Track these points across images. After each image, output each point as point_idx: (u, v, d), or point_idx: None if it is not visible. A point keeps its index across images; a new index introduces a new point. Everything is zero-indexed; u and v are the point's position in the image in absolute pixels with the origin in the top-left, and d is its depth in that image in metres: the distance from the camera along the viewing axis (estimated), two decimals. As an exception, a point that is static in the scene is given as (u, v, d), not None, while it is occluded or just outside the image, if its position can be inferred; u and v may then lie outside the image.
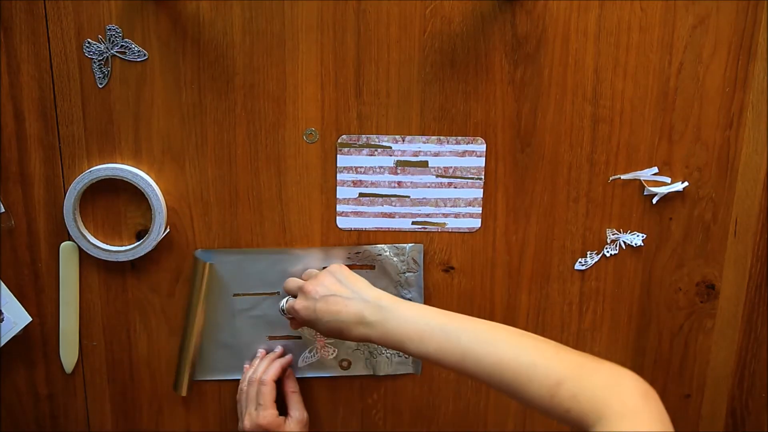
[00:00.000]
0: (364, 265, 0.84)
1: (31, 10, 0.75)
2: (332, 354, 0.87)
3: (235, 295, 0.84)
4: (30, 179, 0.80)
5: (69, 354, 0.85)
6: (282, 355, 0.86)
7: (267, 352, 0.86)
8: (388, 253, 0.83)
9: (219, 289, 0.84)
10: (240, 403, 0.83)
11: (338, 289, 0.70)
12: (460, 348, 0.62)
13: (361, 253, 0.84)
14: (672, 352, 0.88)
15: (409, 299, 0.85)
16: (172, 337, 0.86)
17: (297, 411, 0.83)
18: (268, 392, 0.81)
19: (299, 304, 0.72)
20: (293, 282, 0.76)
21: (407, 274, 0.84)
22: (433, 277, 0.85)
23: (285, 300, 0.77)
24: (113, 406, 0.88)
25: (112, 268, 0.83)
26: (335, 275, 0.72)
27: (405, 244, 0.83)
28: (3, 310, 0.82)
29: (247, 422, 0.80)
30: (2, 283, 0.82)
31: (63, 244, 0.81)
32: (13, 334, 0.82)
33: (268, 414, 0.80)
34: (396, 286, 0.85)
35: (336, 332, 0.69)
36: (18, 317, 0.82)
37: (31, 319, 0.83)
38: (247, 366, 0.85)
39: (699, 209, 0.83)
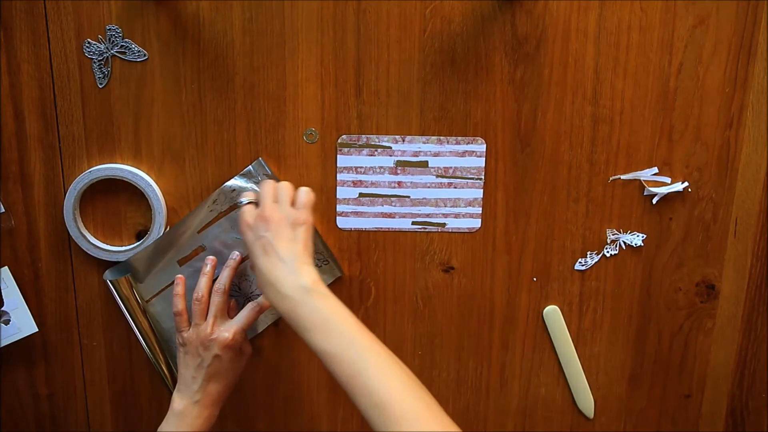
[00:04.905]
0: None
1: (31, 10, 0.75)
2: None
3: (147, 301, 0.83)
4: (30, 179, 0.80)
5: (585, 400, 0.89)
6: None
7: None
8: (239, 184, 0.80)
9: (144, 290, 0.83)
10: (197, 310, 0.78)
11: (282, 248, 0.68)
12: (357, 367, 0.62)
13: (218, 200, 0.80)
14: (672, 352, 0.88)
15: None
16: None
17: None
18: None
19: (247, 221, 0.71)
20: (264, 196, 0.73)
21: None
22: (433, 277, 0.85)
23: (246, 200, 0.76)
24: (113, 406, 0.88)
25: (112, 268, 0.83)
26: (294, 231, 0.70)
27: (249, 166, 0.80)
28: (11, 314, 0.81)
29: (225, 333, 0.76)
30: (18, 289, 0.81)
31: (546, 309, 0.85)
32: (14, 340, 0.81)
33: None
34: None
35: (257, 273, 0.69)
36: (24, 324, 0.82)
37: (36, 330, 0.82)
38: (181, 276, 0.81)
39: (699, 209, 0.83)
